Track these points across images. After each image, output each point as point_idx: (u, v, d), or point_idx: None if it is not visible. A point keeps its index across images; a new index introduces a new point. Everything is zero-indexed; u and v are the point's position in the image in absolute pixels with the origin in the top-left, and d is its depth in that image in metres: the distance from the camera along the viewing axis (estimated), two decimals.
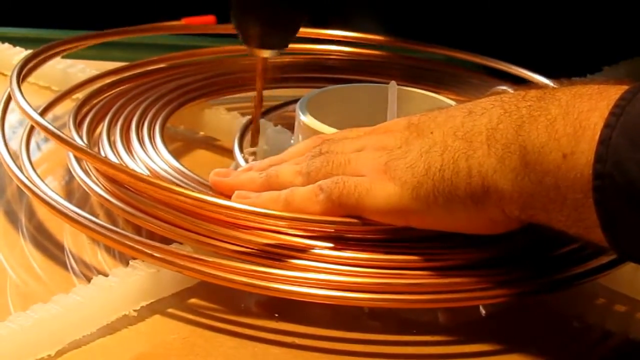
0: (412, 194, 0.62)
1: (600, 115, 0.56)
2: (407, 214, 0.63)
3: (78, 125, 0.77)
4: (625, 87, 0.57)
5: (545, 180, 0.58)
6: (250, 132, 0.82)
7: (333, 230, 0.64)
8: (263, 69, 0.79)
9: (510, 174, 0.59)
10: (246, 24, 0.76)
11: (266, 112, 0.86)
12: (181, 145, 0.86)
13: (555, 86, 0.62)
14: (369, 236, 0.65)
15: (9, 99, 0.78)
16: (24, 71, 0.81)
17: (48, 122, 0.72)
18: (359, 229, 0.65)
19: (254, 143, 0.80)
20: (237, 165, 0.77)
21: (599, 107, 0.56)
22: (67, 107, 0.83)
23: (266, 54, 0.78)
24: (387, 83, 0.84)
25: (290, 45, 0.97)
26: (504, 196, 0.60)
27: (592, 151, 0.56)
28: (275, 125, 0.83)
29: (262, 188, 0.67)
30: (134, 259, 0.66)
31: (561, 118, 0.58)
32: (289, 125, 0.82)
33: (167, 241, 0.66)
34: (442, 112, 0.65)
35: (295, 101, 0.82)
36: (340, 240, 0.64)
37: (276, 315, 0.65)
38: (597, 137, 0.56)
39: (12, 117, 0.82)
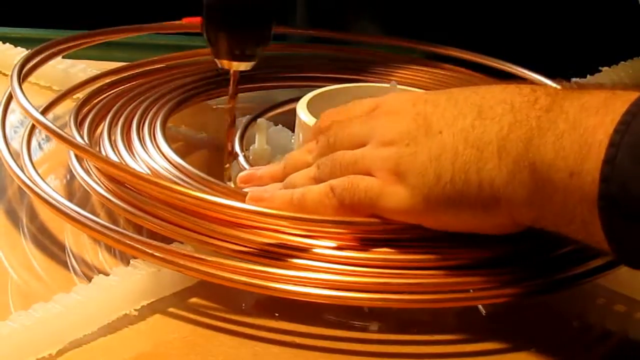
0: (423, 201, 0.63)
1: (605, 132, 0.55)
2: (418, 216, 0.64)
3: (79, 125, 0.77)
4: (632, 98, 0.56)
5: (554, 198, 0.58)
6: (250, 132, 0.82)
7: (333, 230, 0.65)
8: (234, 82, 0.79)
9: (521, 189, 0.59)
10: (216, 38, 0.76)
11: (266, 112, 0.86)
12: (182, 145, 0.86)
13: (564, 92, 0.61)
14: (369, 236, 0.65)
15: (9, 99, 0.78)
16: (24, 70, 0.81)
17: (48, 121, 0.72)
18: (360, 229, 0.65)
19: (229, 161, 0.79)
20: (238, 166, 0.77)
21: (604, 123, 0.56)
22: (67, 107, 0.83)
23: (237, 66, 0.77)
24: (388, 83, 0.85)
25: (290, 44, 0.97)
26: (515, 208, 0.61)
27: (597, 170, 0.55)
28: (276, 124, 0.84)
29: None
30: (135, 258, 0.66)
31: (568, 134, 0.57)
32: (289, 124, 0.82)
33: (168, 240, 0.66)
34: (450, 105, 0.64)
35: (295, 100, 0.82)
36: (340, 240, 0.64)
37: (276, 314, 0.65)
38: (602, 156, 0.55)
39: (13, 117, 0.82)
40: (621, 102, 0.56)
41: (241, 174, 0.72)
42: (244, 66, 0.77)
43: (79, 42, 0.88)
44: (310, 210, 0.65)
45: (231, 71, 0.77)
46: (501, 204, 0.61)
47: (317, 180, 0.67)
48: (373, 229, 0.65)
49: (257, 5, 0.75)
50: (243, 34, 0.75)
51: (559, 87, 0.62)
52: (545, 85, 0.62)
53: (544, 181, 0.58)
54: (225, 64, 0.77)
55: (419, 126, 0.64)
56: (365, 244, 0.64)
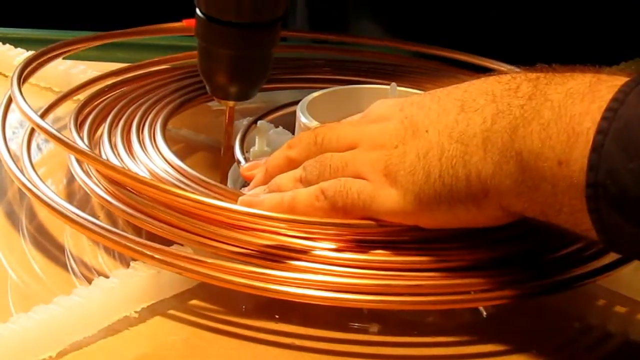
0: (415, 200, 0.63)
1: (592, 120, 0.56)
2: (412, 216, 0.64)
3: (79, 127, 0.77)
4: (618, 83, 0.56)
5: (542, 187, 0.58)
6: (251, 134, 0.82)
7: (332, 232, 0.64)
8: (231, 116, 0.79)
9: (508, 179, 0.59)
10: (212, 77, 0.75)
11: (267, 114, 0.86)
12: (182, 147, 0.86)
13: (546, 77, 0.61)
14: (368, 237, 0.65)
15: (9, 101, 0.78)
16: (25, 73, 0.81)
17: (49, 125, 0.72)
18: (359, 231, 0.65)
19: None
20: (238, 169, 0.77)
21: (591, 110, 0.56)
22: (68, 108, 0.83)
23: (233, 103, 0.77)
24: (388, 84, 0.85)
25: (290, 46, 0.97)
26: (503, 199, 0.60)
27: (585, 159, 0.55)
28: (276, 127, 0.84)
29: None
30: (135, 260, 0.66)
31: (554, 123, 0.57)
32: (290, 126, 0.82)
33: (168, 242, 0.66)
34: (434, 103, 0.64)
35: (295, 102, 0.82)
36: (339, 242, 0.64)
37: (276, 316, 0.65)
38: (589, 144, 0.55)
39: (13, 118, 0.82)
40: (606, 88, 0.56)
41: (243, 167, 0.73)
42: (239, 103, 0.77)
43: (80, 45, 0.88)
44: (300, 213, 0.65)
45: (227, 107, 0.78)
46: (490, 196, 0.61)
47: (304, 181, 0.67)
48: (373, 231, 0.65)
49: (255, 53, 0.75)
50: (240, 78, 0.75)
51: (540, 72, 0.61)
52: (526, 71, 0.62)
53: (531, 171, 0.58)
54: (221, 101, 0.77)
55: (406, 128, 0.64)
56: (365, 246, 0.64)
